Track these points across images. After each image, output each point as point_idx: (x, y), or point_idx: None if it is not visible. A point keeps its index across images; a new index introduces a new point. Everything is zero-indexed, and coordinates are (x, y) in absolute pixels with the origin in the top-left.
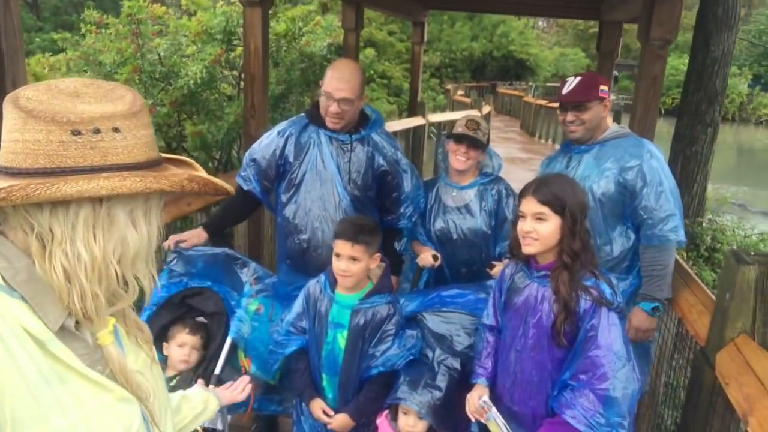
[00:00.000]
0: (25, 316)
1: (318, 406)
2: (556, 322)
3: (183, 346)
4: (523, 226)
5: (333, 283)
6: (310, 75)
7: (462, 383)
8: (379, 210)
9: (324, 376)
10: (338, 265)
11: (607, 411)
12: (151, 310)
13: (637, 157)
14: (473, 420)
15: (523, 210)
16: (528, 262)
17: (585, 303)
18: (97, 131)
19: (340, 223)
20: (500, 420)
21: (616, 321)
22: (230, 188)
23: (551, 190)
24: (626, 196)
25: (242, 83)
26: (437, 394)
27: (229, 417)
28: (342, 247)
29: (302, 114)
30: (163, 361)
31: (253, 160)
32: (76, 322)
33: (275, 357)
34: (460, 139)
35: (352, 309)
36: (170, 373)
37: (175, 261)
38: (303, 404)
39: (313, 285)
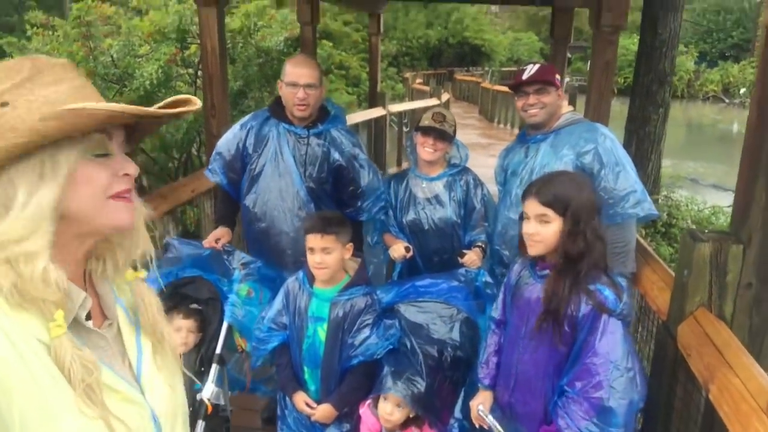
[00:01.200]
0: (30, 320)
1: (301, 399)
2: (539, 320)
3: (179, 330)
4: (527, 228)
5: (311, 278)
6: (268, 70)
7: (439, 370)
8: (337, 203)
9: (306, 369)
10: (313, 259)
11: (603, 421)
12: None
13: (592, 141)
14: (477, 426)
15: (527, 211)
16: (534, 260)
17: (585, 308)
18: None
19: (307, 219)
20: (498, 428)
21: (617, 329)
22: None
23: (554, 191)
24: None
25: (199, 81)
26: (420, 382)
27: (230, 393)
28: (313, 240)
29: (265, 108)
30: None
31: (219, 154)
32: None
33: (258, 354)
34: (427, 131)
35: (331, 302)
36: None
37: (164, 254)
38: (287, 398)
39: (292, 282)
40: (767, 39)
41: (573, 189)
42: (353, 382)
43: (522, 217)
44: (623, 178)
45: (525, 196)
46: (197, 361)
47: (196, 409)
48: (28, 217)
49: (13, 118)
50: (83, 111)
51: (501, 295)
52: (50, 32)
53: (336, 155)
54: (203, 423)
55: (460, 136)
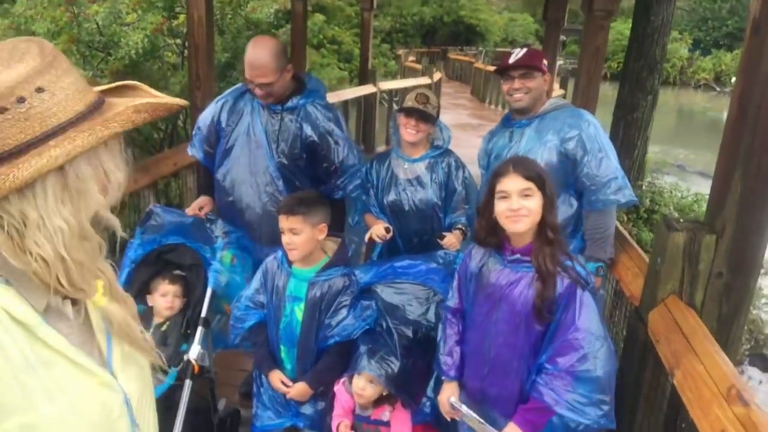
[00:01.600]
0: (9, 299)
1: (277, 377)
2: (539, 298)
3: (165, 295)
4: (510, 204)
5: (289, 258)
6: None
7: (413, 350)
8: (312, 180)
9: (282, 348)
10: (283, 239)
11: (587, 390)
12: (130, 268)
13: (576, 127)
14: (449, 419)
15: (506, 189)
16: (500, 247)
17: (561, 286)
18: (21, 100)
19: (281, 200)
20: (474, 416)
21: (592, 301)
22: (180, 101)
23: (531, 166)
24: (568, 165)
25: (186, 52)
26: (394, 362)
27: (214, 354)
28: (282, 221)
29: (242, 83)
30: (148, 312)
31: (198, 128)
32: (64, 298)
33: (236, 332)
34: (410, 112)
35: (309, 282)
36: (158, 320)
37: (148, 221)
38: (262, 376)
39: (271, 261)
40: (752, 30)
41: (541, 167)
42: (329, 362)
43: (486, 203)
44: (605, 164)
45: (501, 174)
46: (183, 324)
47: (183, 369)
48: (113, 192)
49: (55, 105)
50: (167, 105)
51: (455, 283)
52: None
53: (309, 131)
54: (190, 382)
55: (452, 116)
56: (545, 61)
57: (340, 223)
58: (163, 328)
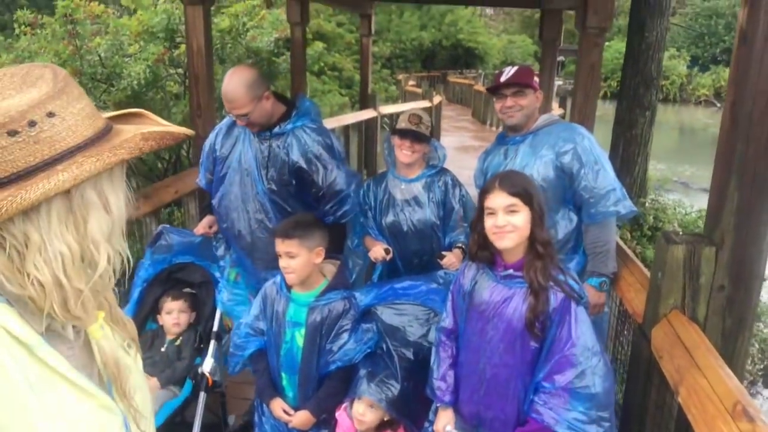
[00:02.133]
0: (11, 319)
1: (278, 406)
2: (532, 313)
3: (170, 312)
4: (495, 221)
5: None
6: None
7: (414, 372)
8: (303, 205)
9: (284, 375)
10: (280, 263)
11: (587, 407)
12: (142, 287)
13: (571, 141)
14: None
15: (492, 206)
16: (492, 263)
17: (555, 300)
18: (32, 124)
19: (278, 224)
20: None
21: (586, 316)
22: (187, 131)
23: (517, 182)
24: (565, 180)
25: (187, 81)
26: (395, 385)
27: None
28: (278, 245)
29: None
30: (160, 330)
31: (203, 154)
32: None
33: (235, 360)
34: (404, 134)
35: (309, 306)
36: (170, 337)
37: (158, 241)
38: (263, 405)
39: (270, 286)
40: (740, 40)
41: (530, 182)
42: (331, 388)
43: (477, 219)
44: (602, 176)
45: (487, 192)
46: (196, 339)
47: (198, 382)
48: (116, 221)
49: (64, 129)
50: (174, 133)
51: (449, 304)
52: (39, 30)
53: (295, 156)
54: (204, 395)
55: (454, 138)
56: (536, 78)
57: (340, 245)
58: (177, 342)
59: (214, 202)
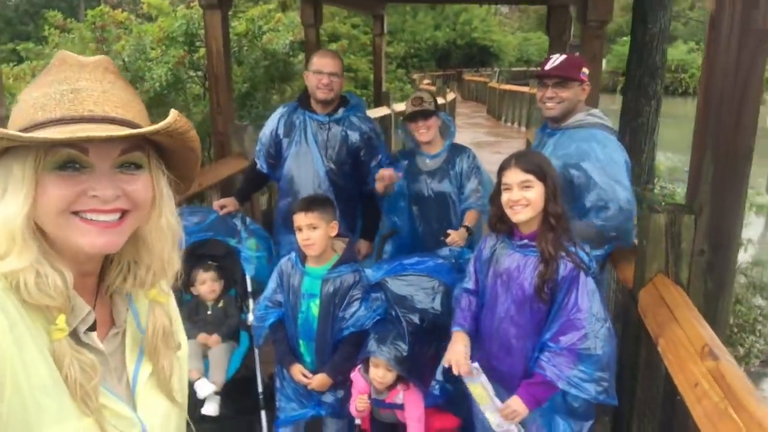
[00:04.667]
0: (40, 321)
1: (298, 371)
2: (540, 278)
3: (204, 282)
4: (511, 195)
5: (303, 258)
6: (274, 72)
7: (420, 336)
8: (356, 181)
9: (301, 342)
10: (301, 237)
11: (588, 367)
12: None
13: (585, 156)
14: (456, 373)
15: (508, 181)
16: (511, 233)
17: (564, 269)
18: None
19: (295, 202)
20: (489, 386)
21: (593, 285)
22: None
23: (532, 160)
24: (573, 190)
25: (207, 83)
26: (403, 346)
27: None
28: (299, 219)
29: (294, 101)
30: (195, 300)
31: (261, 143)
32: (88, 330)
33: (258, 332)
34: (413, 117)
35: (323, 279)
36: (209, 303)
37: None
38: (284, 370)
39: (285, 262)
40: (710, 27)
41: (545, 160)
42: (345, 352)
43: (496, 194)
44: (607, 193)
45: (505, 167)
46: (237, 299)
47: (251, 333)
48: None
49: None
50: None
51: (472, 268)
52: (66, 34)
53: (353, 138)
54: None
55: (469, 134)
56: (585, 70)
57: (374, 226)
58: (220, 304)
59: (281, 181)
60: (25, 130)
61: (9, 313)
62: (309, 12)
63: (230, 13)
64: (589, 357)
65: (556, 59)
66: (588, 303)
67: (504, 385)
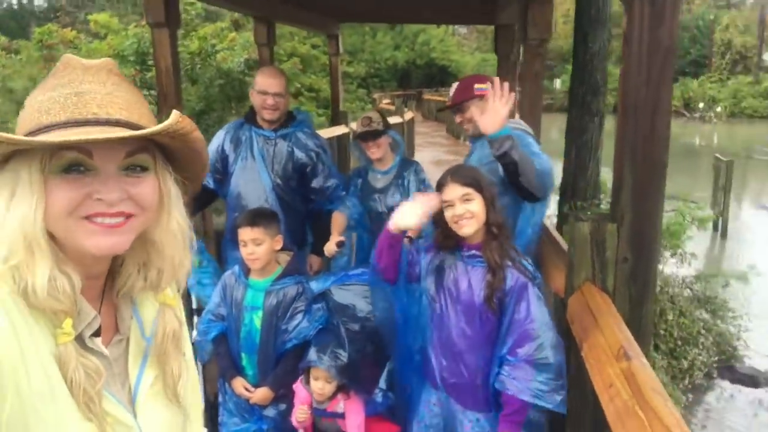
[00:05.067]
0: (45, 324)
1: (239, 384)
2: (489, 288)
3: None
4: (454, 211)
5: (246, 271)
6: (230, 91)
7: (361, 343)
8: (302, 197)
9: (244, 355)
10: (245, 251)
11: (548, 378)
12: None
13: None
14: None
15: (449, 197)
16: (457, 247)
17: (511, 279)
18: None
19: (239, 216)
20: None
21: (540, 294)
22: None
23: (467, 173)
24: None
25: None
26: (343, 354)
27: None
28: (244, 233)
29: (241, 118)
30: None
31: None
32: (93, 335)
33: (202, 347)
34: (363, 137)
35: (266, 291)
36: None
37: None
38: (227, 384)
39: (228, 275)
40: (624, 42)
41: (478, 171)
42: (287, 365)
43: (439, 212)
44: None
45: (442, 185)
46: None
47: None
48: (9, 233)
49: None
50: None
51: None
52: (13, 55)
53: (299, 154)
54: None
55: (428, 153)
56: (480, 85)
57: (323, 240)
58: None
59: (228, 196)
60: (31, 133)
61: (14, 318)
62: (262, 31)
63: (182, 31)
64: (546, 366)
65: (452, 89)
66: (539, 313)
67: (458, 398)
